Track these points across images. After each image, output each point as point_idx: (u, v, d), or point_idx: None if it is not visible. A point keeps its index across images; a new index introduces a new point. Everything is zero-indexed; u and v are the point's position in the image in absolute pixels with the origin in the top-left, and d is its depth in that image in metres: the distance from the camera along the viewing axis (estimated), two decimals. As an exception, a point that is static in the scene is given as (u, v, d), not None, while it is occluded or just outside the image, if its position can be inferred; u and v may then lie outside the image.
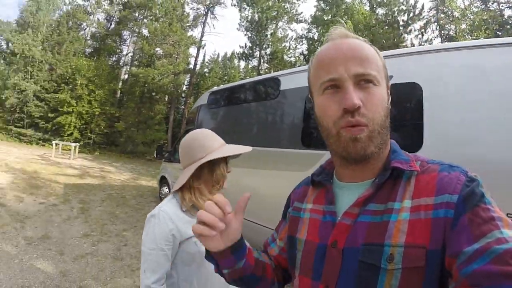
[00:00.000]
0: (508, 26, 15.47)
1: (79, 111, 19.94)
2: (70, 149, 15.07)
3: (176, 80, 21.95)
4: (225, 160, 1.36)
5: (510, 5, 16.42)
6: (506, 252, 0.46)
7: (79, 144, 16.61)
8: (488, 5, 17.27)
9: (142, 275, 1.20)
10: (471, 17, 15.69)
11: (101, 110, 20.73)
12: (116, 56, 25.83)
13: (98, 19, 24.48)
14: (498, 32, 14.81)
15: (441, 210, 0.55)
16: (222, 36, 51.51)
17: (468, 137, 2.14)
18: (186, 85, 26.15)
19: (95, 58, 22.65)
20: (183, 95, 25.98)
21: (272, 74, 4.34)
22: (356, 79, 0.61)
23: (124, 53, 25.58)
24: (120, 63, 25.66)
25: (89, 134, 20.62)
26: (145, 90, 22.10)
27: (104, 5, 24.30)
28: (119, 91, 23.80)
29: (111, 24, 25.07)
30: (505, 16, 16.41)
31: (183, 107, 25.67)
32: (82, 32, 23.85)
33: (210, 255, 0.73)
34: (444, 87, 2.33)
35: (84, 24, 23.90)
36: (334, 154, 0.70)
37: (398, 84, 2.44)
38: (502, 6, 16.85)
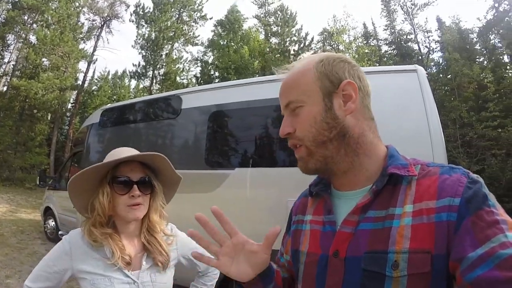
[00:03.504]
0: (385, 59, 18.91)
1: None
2: None
3: (62, 96, 19.91)
4: (104, 183, 1.11)
5: (386, 42, 20.20)
6: (511, 257, 0.45)
7: None
8: (369, 42, 21.06)
9: None
10: (355, 49, 18.32)
11: (-28, 129, 17.06)
12: (-4, 63, 21.84)
13: (-20, 17, 20.41)
14: (376, 64, 17.70)
15: (444, 214, 0.54)
16: (115, 52, 48.70)
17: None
18: (72, 103, 23.87)
19: (-31, 64, 18.79)
20: (68, 114, 23.73)
21: (174, 91, 4.22)
22: (287, 110, 0.71)
23: (6, 60, 21.62)
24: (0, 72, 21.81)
25: (-45, 159, 16.68)
26: (26, 106, 19.32)
27: (-10, 2, 20.46)
28: (-5, 105, 20.13)
29: (-6, 25, 21.22)
30: (383, 51, 20.34)
31: (67, 127, 23.13)
32: (-42, 32, 19.46)
33: (238, 284, 0.72)
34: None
35: (-37, 22, 19.58)
36: None
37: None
38: (380, 43, 20.77)
